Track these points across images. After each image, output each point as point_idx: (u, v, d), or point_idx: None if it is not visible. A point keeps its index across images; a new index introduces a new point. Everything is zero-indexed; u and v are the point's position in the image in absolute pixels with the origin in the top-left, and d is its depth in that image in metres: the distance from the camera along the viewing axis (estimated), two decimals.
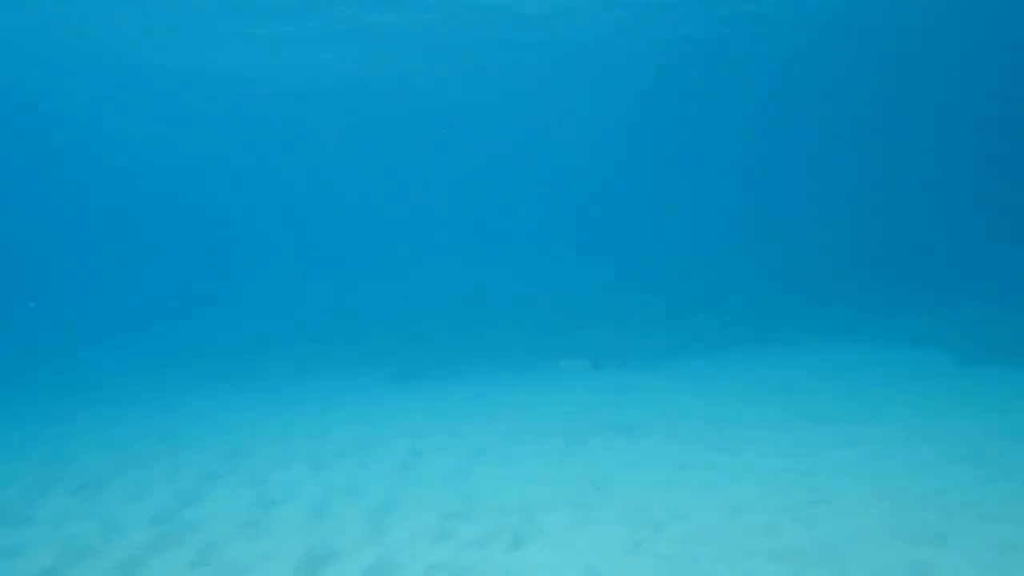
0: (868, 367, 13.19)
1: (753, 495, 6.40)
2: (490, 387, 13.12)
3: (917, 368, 12.73)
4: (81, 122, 25.74)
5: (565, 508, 6.20)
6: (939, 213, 22.62)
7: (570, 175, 31.87)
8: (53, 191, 38.01)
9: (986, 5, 17.86)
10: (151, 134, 28.05)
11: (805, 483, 6.68)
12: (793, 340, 16.45)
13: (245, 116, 25.64)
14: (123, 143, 29.52)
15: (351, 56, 19.59)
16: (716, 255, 22.10)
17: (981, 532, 5.34)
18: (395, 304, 20.62)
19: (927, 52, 21.03)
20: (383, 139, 31.17)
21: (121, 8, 15.64)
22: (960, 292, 18.43)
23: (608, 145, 30.60)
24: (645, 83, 23.48)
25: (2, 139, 28.10)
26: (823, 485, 6.61)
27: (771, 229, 24.43)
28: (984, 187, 22.55)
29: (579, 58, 20.26)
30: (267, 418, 11.04)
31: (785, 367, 13.61)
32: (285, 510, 6.36)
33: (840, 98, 25.38)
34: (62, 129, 26.51)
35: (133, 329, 21.73)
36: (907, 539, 5.29)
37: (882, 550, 5.13)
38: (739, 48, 20.58)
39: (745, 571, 4.93)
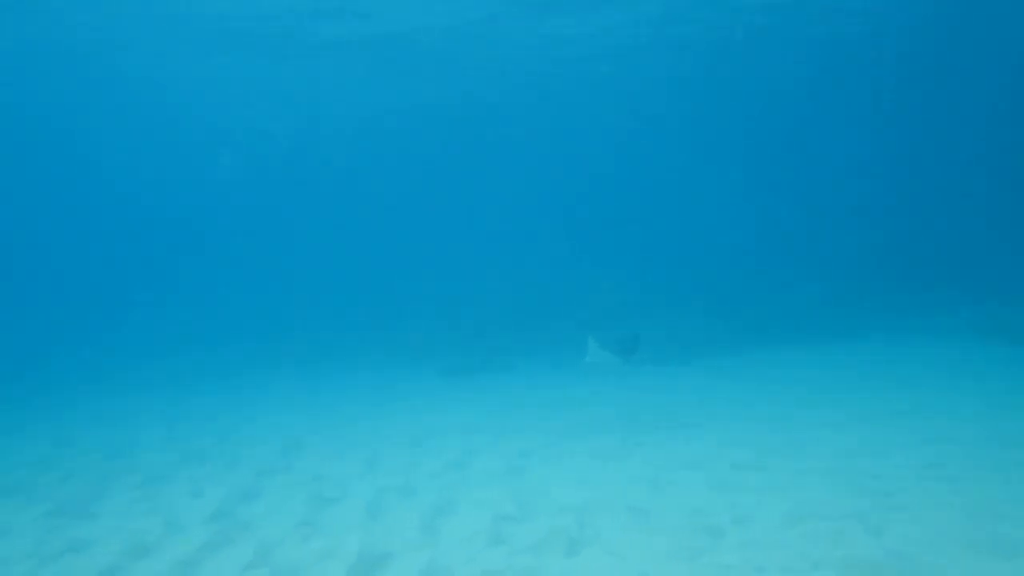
0: (933, 361, 12.70)
1: (817, 499, 6.17)
2: (540, 382, 13.02)
3: (988, 363, 12.21)
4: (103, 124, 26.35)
5: (621, 511, 6.06)
6: (988, 206, 21.71)
7: (609, 172, 31.56)
8: (110, 185, 39.19)
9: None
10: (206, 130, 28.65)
11: (873, 486, 6.42)
12: (849, 335, 15.95)
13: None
14: (164, 144, 30.22)
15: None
16: (763, 250, 21.55)
17: None
18: (443, 299, 20.63)
19: (967, 42, 20.16)
20: (423, 136, 31.28)
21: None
22: (1018, 283, 17.65)
23: (648, 142, 30.23)
24: (685, 80, 23.10)
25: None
26: (893, 489, 6.34)
27: (818, 224, 23.74)
28: None
29: (615, 54, 19.97)
30: (321, 414, 11.13)
31: (842, 363, 13.18)
32: (340, 509, 6.37)
33: (888, 89, 24.56)
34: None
35: (194, 325, 22.23)
36: (984, 551, 5.01)
37: (957, 562, 4.87)
38: (775, 43, 20.04)
39: None
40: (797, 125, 28.60)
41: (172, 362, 17.65)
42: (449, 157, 34.21)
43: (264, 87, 22.76)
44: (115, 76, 20.78)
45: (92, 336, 22.19)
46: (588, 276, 21.11)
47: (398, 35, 18.36)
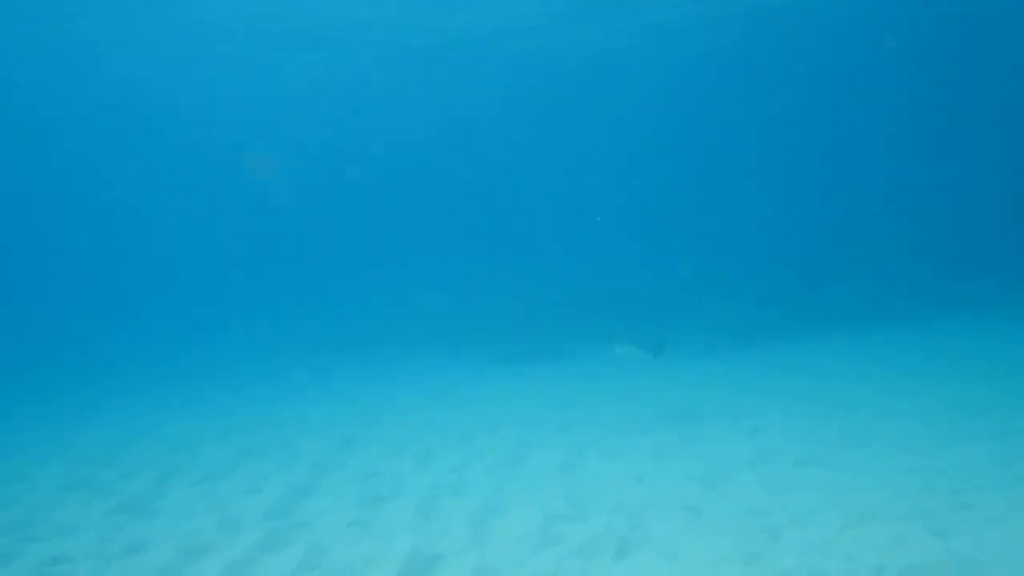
0: (1001, 350, 12.14)
1: (881, 499, 5.93)
2: (593, 372, 12.89)
3: None
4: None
5: (675, 511, 5.93)
6: None
7: (655, 165, 31.03)
8: (181, 190, 40.16)
9: None
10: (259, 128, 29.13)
11: (942, 485, 6.15)
12: (927, 317, 15.38)
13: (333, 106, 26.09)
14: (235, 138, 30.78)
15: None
16: (815, 238, 20.91)
17: None
18: (494, 291, 20.61)
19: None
20: (477, 137, 31.25)
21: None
22: None
23: (693, 136, 29.63)
24: (727, 73, 22.54)
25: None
26: (964, 487, 6.06)
27: (900, 200, 22.90)
28: None
29: (665, 43, 19.54)
30: (376, 407, 11.22)
31: (904, 351, 12.72)
32: (392, 508, 6.39)
33: (928, 75, 23.53)
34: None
35: (251, 317, 22.69)
36: None
37: None
38: (813, 32, 19.36)
39: None
40: (837, 115, 27.67)
41: (227, 350, 18.06)
42: (495, 158, 34.18)
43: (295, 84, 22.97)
44: (121, 77, 21.15)
45: (145, 325, 22.85)
46: (638, 265, 20.85)
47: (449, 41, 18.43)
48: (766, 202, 27.32)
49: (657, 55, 21.22)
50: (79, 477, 8.09)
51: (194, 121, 28.03)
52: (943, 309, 16.08)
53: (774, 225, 23.87)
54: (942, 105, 25.78)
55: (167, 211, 42.04)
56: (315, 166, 37.60)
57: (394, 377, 13.99)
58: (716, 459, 7.33)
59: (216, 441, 9.61)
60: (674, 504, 6.08)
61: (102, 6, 15.72)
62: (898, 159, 26.70)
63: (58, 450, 9.50)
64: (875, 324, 15.44)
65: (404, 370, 14.64)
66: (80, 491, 7.47)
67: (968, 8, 18.93)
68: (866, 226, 21.71)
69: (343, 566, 5.27)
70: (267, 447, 9.06)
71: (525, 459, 7.83)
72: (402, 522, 6.02)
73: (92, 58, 19.30)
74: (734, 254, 20.77)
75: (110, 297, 29.51)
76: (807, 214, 24.39)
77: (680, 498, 6.23)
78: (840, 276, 18.24)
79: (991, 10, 19.04)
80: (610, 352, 14.80)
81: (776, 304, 16.70)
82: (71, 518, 6.51)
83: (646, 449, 7.87)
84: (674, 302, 17.39)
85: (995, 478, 6.24)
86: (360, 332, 18.71)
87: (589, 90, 25.06)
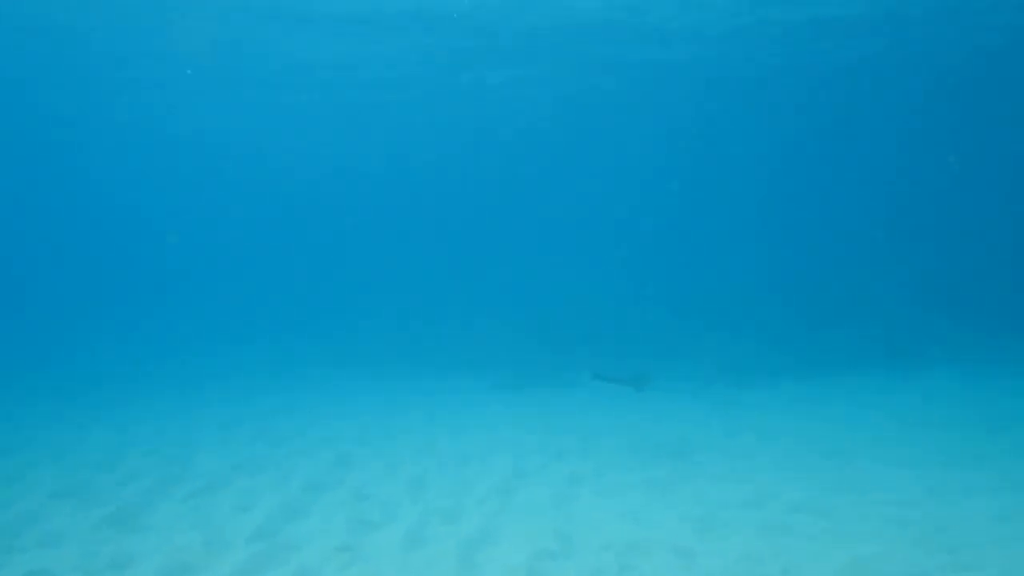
0: (1003, 397, 12.02)
1: (876, 552, 5.84)
2: (595, 401, 12.81)
3: None
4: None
5: (666, 554, 5.86)
6: None
7: (684, 178, 31.00)
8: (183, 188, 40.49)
9: None
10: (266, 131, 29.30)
11: (940, 541, 6.05)
12: (929, 362, 15.25)
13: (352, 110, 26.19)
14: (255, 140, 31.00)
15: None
16: (814, 276, 20.81)
17: None
18: (494, 316, 20.59)
19: None
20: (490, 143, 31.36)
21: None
22: None
23: (729, 148, 29.61)
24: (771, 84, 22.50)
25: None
26: (961, 544, 5.97)
27: (907, 241, 22.79)
28: None
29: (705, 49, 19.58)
30: (374, 425, 11.18)
31: (919, 392, 12.60)
32: (381, 535, 6.34)
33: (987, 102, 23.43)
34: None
35: (258, 329, 22.73)
36: None
37: None
38: (889, 59, 19.34)
39: None
40: (845, 150, 27.64)
41: (233, 360, 18.07)
42: (502, 177, 34.32)
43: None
44: (125, 74, 21.22)
45: (152, 332, 22.92)
46: (633, 297, 20.81)
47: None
48: (770, 237, 27.28)
49: (656, 86, 21.34)
50: (73, 483, 8.08)
51: (200, 127, 28.22)
52: (946, 354, 15.93)
53: (776, 261, 23.78)
54: (955, 143, 25.72)
55: (176, 217, 42.35)
56: (326, 181, 37.88)
57: (395, 395, 13.94)
58: (711, 499, 7.24)
59: (213, 452, 9.59)
60: (665, 546, 6.01)
61: (103, 3, 15.85)
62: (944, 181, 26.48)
63: (56, 453, 9.50)
64: (877, 367, 15.31)
65: (405, 389, 14.59)
66: (71, 498, 7.45)
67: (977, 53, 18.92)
68: (872, 266, 21.59)
69: None
70: (263, 461, 9.03)
71: (519, 489, 7.76)
72: (390, 550, 5.96)
73: (93, 55, 19.38)
74: (735, 290, 20.68)
75: (120, 302, 29.66)
76: (810, 252, 24.30)
77: (673, 539, 6.15)
78: (843, 317, 18.12)
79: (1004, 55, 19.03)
80: (602, 383, 14.71)
81: (776, 342, 16.59)
82: (58, 528, 6.49)
83: (640, 485, 7.79)
84: (673, 336, 17.30)
85: (993, 536, 6.14)
86: (364, 348, 18.70)
87: (590, 116, 25.14)
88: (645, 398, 12.95)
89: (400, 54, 19.29)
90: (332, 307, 24.32)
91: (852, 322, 17.93)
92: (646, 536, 6.25)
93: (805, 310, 18.45)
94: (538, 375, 14.44)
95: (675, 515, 6.79)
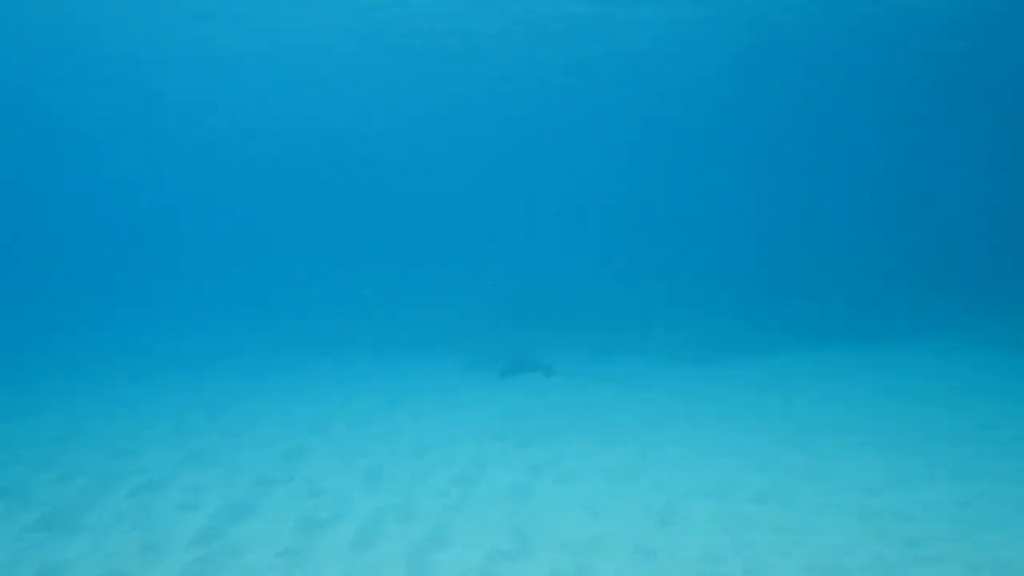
0: (969, 378, 12.07)
1: (839, 543, 5.72)
2: (563, 382, 12.63)
3: None
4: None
5: (626, 551, 5.67)
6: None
7: (632, 171, 30.81)
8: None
9: None
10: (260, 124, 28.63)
11: (899, 531, 5.95)
12: (876, 344, 15.29)
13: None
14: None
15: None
16: (785, 254, 20.75)
17: None
18: (465, 294, 20.30)
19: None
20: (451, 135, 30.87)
21: None
22: None
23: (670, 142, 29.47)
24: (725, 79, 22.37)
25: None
26: (919, 535, 5.87)
27: (842, 228, 22.82)
28: None
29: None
30: (334, 411, 10.89)
31: (868, 375, 12.58)
32: (330, 535, 6.07)
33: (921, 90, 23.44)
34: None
35: (220, 314, 22.22)
36: None
37: None
38: (870, 37, 19.13)
39: None
40: (821, 126, 27.52)
41: (191, 346, 17.61)
42: (466, 158, 33.83)
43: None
44: (121, 64, 20.61)
45: (100, 321, 22.30)
46: (610, 274, 20.63)
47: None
48: (734, 213, 27.19)
49: (640, 59, 20.99)
50: (7, 481, 7.69)
51: (187, 116, 27.45)
52: (915, 330, 16.01)
53: (743, 238, 23.70)
54: (934, 118, 25.71)
55: (140, 203, 41.25)
56: (298, 163, 37.10)
57: (357, 378, 13.66)
58: (673, 488, 7.08)
59: (162, 444, 9.23)
60: (626, 543, 5.82)
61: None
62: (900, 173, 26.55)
63: None
64: (843, 342, 15.33)
65: (368, 371, 14.31)
66: (4, 499, 7.08)
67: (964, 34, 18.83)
68: (839, 240, 21.60)
69: None
70: (213, 454, 8.70)
71: (478, 479, 7.54)
72: (338, 552, 5.70)
73: (94, 45, 18.75)
74: (701, 264, 20.57)
75: (69, 289, 28.82)
76: (774, 227, 24.24)
77: (633, 536, 5.97)
78: (809, 291, 18.09)
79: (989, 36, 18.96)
80: (581, 359, 14.56)
81: (741, 317, 16.53)
82: None
83: (603, 471, 7.61)
84: (639, 312, 17.15)
85: (954, 526, 6.04)
86: (330, 330, 18.33)
87: (569, 94, 24.75)
88: (612, 376, 12.78)
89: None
90: (300, 292, 23.82)
91: (818, 298, 17.92)
92: (607, 532, 6.06)
93: (771, 286, 18.40)
94: (505, 357, 14.18)
95: (636, 506, 6.61)
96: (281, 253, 33.11)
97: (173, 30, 17.56)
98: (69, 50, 19.09)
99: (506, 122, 29.16)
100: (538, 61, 20.95)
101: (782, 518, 6.29)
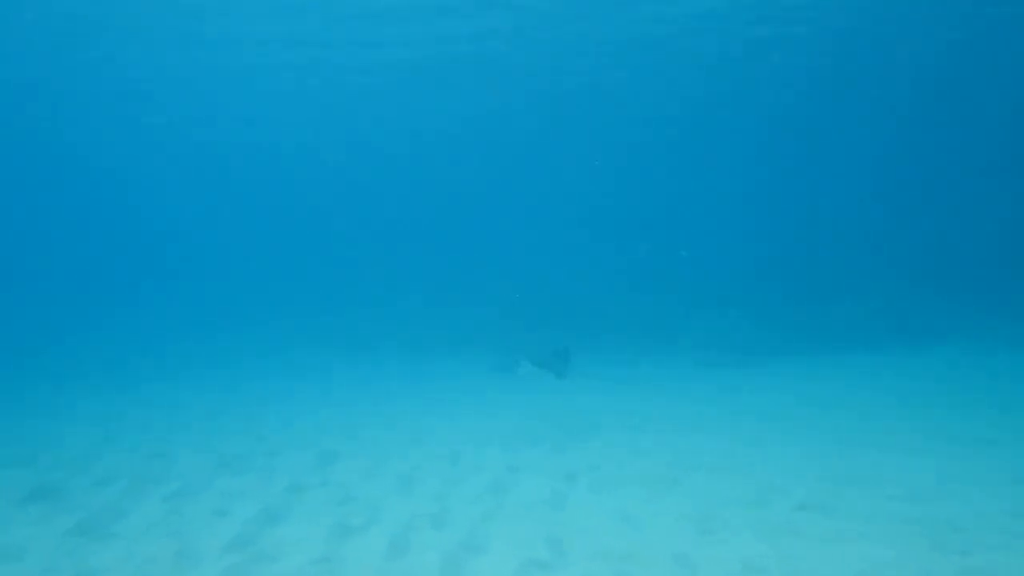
0: (1020, 376, 11.68)
1: (888, 554, 5.51)
2: (596, 384, 12.48)
3: None
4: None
5: (665, 561, 5.52)
6: None
7: (677, 159, 30.46)
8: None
9: None
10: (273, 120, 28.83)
11: (951, 542, 5.72)
12: (934, 340, 14.90)
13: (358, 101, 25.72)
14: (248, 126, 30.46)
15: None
16: (815, 251, 20.35)
17: None
18: (504, 292, 20.20)
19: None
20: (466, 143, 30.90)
21: None
22: None
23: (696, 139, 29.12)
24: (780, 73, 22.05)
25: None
26: (971, 546, 5.63)
27: (907, 214, 22.30)
28: None
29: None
30: (366, 414, 10.85)
31: (914, 374, 12.26)
32: (363, 542, 6.01)
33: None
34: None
35: (249, 314, 22.38)
36: None
37: None
38: (887, 37, 18.82)
39: None
40: (846, 126, 26.99)
41: (222, 347, 17.73)
42: (501, 161, 33.81)
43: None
44: (125, 66, 20.80)
45: (135, 320, 22.56)
46: (638, 278, 20.42)
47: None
48: (763, 215, 26.81)
49: (661, 56, 20.81)
50: (47, 484, 7.75)
51: (195, 118, 27.73)
52: (953, 331, 15.58)
53: (773, 239, 23.32)
54: (957, 117, 25.15)
55: (164, 202, 41.83)
56: (315, 171, 37.40)
57: (388, 380, 13.64)
58: (711, 496, 6.91)
59: (196, 448, 9.26)
60: (664, 554, 5.67)
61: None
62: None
63: (35, 451, 9.16)
64: (879, 345, 14.96)
65: (398, 373, 14.29)
66: (43, 503, 7.12)
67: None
68: (873, 241, 21.15)
69: None
70: (247, 459, 8.70)
71: (512, 486, 7.44)
72: (372, 560, 5.63)
73: (94, 48, 18.98)
74: (731, 267, 20.27)
75: (98, 291, 29.25)
76: (808, 229, 23.81)
77: (671, 545, 5.82)
78: (843, 293, 17.73)
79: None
80: (615, 361, 14.39)
81: (774, 321, 16.22)
82: (24, 538, 6.16)
83: (639, 481, 7.46)
84: (669, 315, 16.94)
85: (1007, 535, 5.80)
86: (359, 331, 18.36)
87: (581, 95, 24.62)
88: (640, 379, 12.60)
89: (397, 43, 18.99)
90: (330, 293, 23.93)
91: (852, 299, 17.55)
92: (644, 541, 5.91)
93: (803, 288, 18.07)
94: (534, 359, 14.05)
95: (674, 515, 6.46)
96: (308, 255, 33.32)
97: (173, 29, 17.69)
98: (68, 51, 19.23)
99: (531, 125, 29.07)
100: (558, 60, 20.79)
101: (826, 527, 6.09)
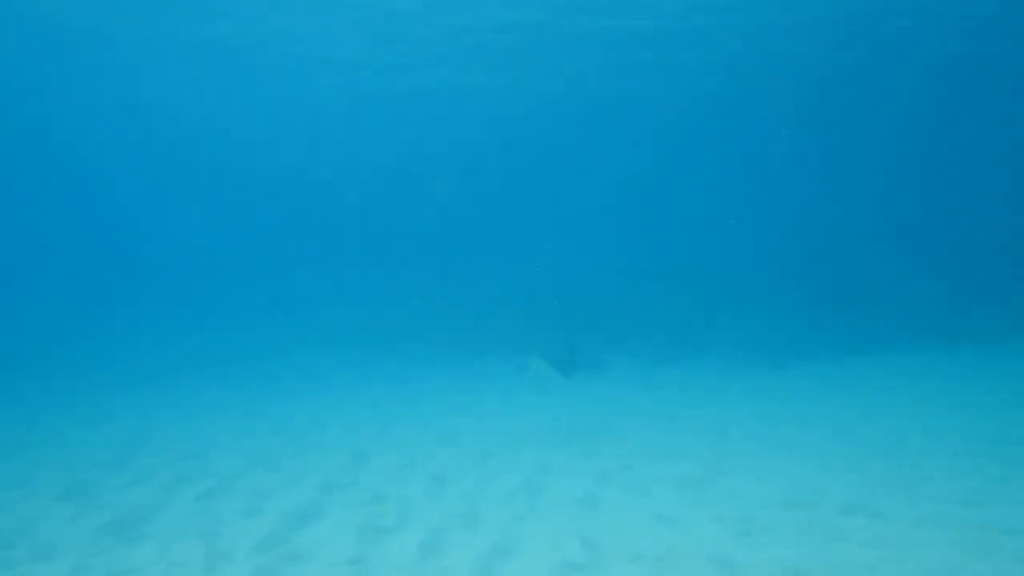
0: None
1: (940, 560, 5.27)
2: (628, 384, 12.30)
3: None
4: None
5: (704, 564, 5.34)
6: None
7: (706, 163, 30.10)
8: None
9: None
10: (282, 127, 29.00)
11: (1007, 547, 5.47)
12: (973, 340, 14.49)
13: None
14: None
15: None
16: (864, 247, 19.94)
17: None
18: (527, 289, 20.08)
19: None
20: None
21: None
22: None
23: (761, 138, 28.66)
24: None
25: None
26: None
27: (942, 217, 21.81)
28: None
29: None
30: (395, 416, 10.78)
31: (956, 375, 11.89)
32: (394, 542, 5.90)
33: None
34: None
35: (278, 312, 22.49)
36: None
37: None
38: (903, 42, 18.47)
39: None
40: (886, 125, 26.44)
41: (249, 345, 17.80)
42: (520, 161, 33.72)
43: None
44: (126, 71, 20.99)
45: (162, 318, 22.76)
46: (673, 278, 20.18)
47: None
48: (794, 220, 26.41)
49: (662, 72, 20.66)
50: (79, 483, 7.76)
51: (200, 122, 27.97)
52: (996, 331, 15.14)
53: (799, 243, 22.94)
54: (982, 117, 24.55)
55: (182, 203, 42.32)
56: (338, 175, 37.58)
57: (415, 381, 13.58)
58: (752, 496, 6.71)
59: (227, 447, 9.25)
60: (701, 555, 5.49)
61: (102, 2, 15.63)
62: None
63: (67, 451, 9.21)
64: (920, 345, 14.60)
65: (428, 374, 14.23)
66: (75, 502, 7.12)
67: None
68: (914, 241, 20.69)
69: None
70: (278, 457, 8.66)
71: (544, 486, 7.29)
72: (403, 562, 5.52)
73: (91, 51, 19.18)
74: (756, 273, 19.97)
75: (126, 289, 29.60)
76: (846, 228, 23.39)
77: (709, 547, 5.64)
78: (882, 293, 17.34)
79: None
80: (647, 362, 14.21)
81: (803, 324, 15.91)
82: (55, 537, 6.14)
83: (672, 480, 7.28)
84: (704, 316, 16.69)
85: None
86: (385, 333, 18.34)
87: (597, 96, 24.43)
88: (669, 381, 12.40)
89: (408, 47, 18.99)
90: (357, 292, 23.98)
91: (892, 300, 17.17)
92: (681, 543, 5.74)
93: (842, 288, 17.71)
94: (568, 358, 13.92)
95: (711, 516, 6.27)
96: (333, 258, 33.46)
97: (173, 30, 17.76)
98: (70, 54, 19.41)
99: (562, 127, 28.94)
100: (586, 62, 20.67)
101: (873, 531, 5.86)
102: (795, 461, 7.81)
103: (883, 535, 5.78)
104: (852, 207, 25.44)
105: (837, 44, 19.34)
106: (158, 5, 15.69)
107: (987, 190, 23.21)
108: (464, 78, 22.05)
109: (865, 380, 12.08)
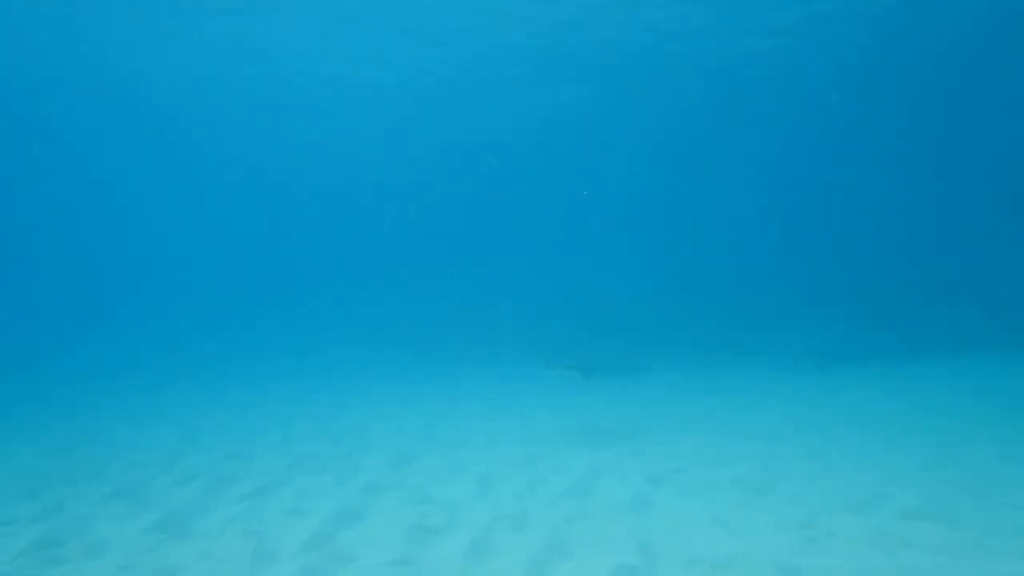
0: None
1: (1016, 571, 4.97)
2: (676, 388, 12.04)
3: None
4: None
5: (766, 569, 5.11)
6: None
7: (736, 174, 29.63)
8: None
9: None
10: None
11: None
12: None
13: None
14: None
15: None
16: (916, 252, 19.37)
17: None
18: (571, 292, 19.90)
19: None
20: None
21: None
22: None
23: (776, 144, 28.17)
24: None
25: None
26: None
27: (1000, 217, 21.09)
28: None
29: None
30: (439, 417, 10.68)
31: (1020, 374, 11.40)
32: (442, 544, 5.77)
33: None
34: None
35: (316, 312, 22.63)
36: None
37: None
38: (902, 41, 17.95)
39: None
40: (952, 120, 25.66)
41: (292, 343, 17.91)
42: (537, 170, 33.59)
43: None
44: (120, 70, 21.12)
45: (205, 320, 23.02)
46: (725, 279, 19.82)
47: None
48: (860, 214, 25.75)
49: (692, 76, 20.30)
50: (130, 482, 7.79)
51: (203, 121, 28.25)
52: None
53: (866, 238, 22.37)
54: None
55: (208, 205, 42.88)
56: (381, 175, 37.75)
57: (457, 381, 13.51)
58: (811, 502, 6.44)
59: (273, 448, 9.23)
60: (763, 561, 5.26)
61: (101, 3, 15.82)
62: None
63: (117, 452, 9.27)
64: (979, 348, 14.07)
65: (466, 375, 14.15)
66: (125, 500, 7.13)
67: None
68: (972, 242, 20.03)
69: None
70: (323, 459, 8.60)
71: (593, 489, 7.10)
72: (452, 563, 5.38)
73: (88, 51, 19.41)
74: (821, 268, 19.50)
75: (151, 291, 30.08)
76: (902, 228, 22.75)
77: (771, 553, 5.40)
78: (940, 295, 16.79)
79: None
80: (693, 363, 13.93)
81: (866, 323, 15.45)
82: (106, 535, 6.13)
83: (728, 485, 7.03)
84: (756, 318, 16.32)
85: None
86: (420, 331, 18.36)
87: (626, 92, 24.13)
88: (717, 384, 12.10)
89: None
90: (397, 294, 24.04)
91: (951, 302, 16.61)
92: (741, 548, 5.51)
93: (898, 290, 17.20)
94: (613, 360, 13.73)
95: (771, 520, 6.02)
96: (369, 261, 33.63)
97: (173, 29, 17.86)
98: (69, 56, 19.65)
99: (589, 134, 28.72)
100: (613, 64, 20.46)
101: (944, 538, 5.57)
102: (853, 465, 7.51)
103: (956, 542, 5.48)
104: (900, 211, 24.77)
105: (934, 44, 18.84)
106: (158, 5, 15.82)
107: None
108: (499, 78, 21.96)
109: (923, 384, 11.67)
